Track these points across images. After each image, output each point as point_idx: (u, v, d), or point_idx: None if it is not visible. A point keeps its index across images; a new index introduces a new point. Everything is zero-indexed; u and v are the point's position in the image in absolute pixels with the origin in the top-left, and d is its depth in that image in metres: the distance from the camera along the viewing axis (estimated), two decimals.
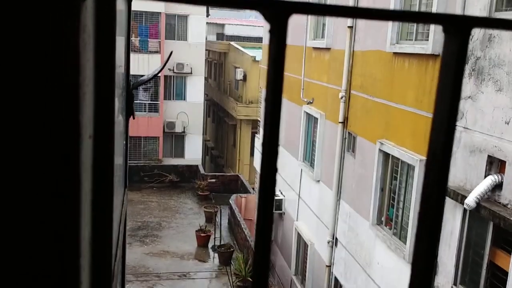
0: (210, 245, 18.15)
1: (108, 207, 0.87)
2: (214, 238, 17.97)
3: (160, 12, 25.51)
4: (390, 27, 8.64)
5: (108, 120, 0.82)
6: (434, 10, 7.38)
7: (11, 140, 0.51)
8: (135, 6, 25.77)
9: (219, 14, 45.49)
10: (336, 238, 11.03)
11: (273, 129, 0.38)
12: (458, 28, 0.42)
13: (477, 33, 6.49)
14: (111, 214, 0.92)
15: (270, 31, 0.37)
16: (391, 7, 8.57)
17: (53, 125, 0.51)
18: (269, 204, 0.42)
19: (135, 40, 25.50)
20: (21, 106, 0.50)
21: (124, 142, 2.07)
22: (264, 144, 0.39)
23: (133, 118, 2.07)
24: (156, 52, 25.69)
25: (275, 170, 0.41)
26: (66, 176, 0.53)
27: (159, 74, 25.57)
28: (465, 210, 6.59)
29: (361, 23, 10.02)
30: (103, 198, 0.82)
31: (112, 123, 0.86)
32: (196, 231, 18.34)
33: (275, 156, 0.39)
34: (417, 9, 8.14)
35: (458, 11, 6.83)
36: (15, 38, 0.48)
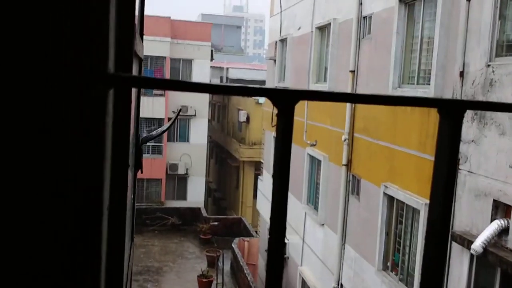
0: None
1: (119, 270, 0.88)
2: (216, 283, 17.60)
3: (165, 57, 26.03)
4: (392, 70, 8.76)
5: (122, 191, 0.85)
6: (435, 55, 7.50)
7: (38, 212, 0.54)
8: None
9: (223, 58, 46.39)
10: (342, 284, 10.79)
11: (281, 203, 0.38)
12: (451, 111, 0.45)
13: (478, 77, 6.56)
14: (121, 276, 0.93)
15: (278, 115, 0.40)
16: (392, 54, 8.72)
17: (77, 200, 0.54)
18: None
19: None
20: (52, 183, 0.54)
21: (132, 196, 2.06)
22: (271, 226, 0.39)
23: (141, 172, 2.09)
24: (161, 95, 26.04)
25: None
26: (88, 250, 0.56)
27: (163, 117, 25.82)
28: (472, 255, 6.47)
29: (363, 68, 10.17)
30: (115, 270, 0.83)
31: (125, 193, 0.89)
32: (197, 276, 18.00)
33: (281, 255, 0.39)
34: (418, 56, 8.27)
35: (458, 57, 6.93)
36: (51, 126, 0.53)
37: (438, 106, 0.46)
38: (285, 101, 0.40)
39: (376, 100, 0.45)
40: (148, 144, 26.34)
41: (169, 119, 26.63)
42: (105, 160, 0.56)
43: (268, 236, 0.42)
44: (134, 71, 1.71)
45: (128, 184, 1.78)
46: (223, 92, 0.41)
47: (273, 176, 0.41)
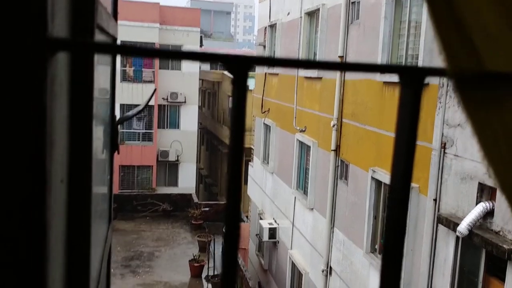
0: (203, 275, 17.91)
1: (85, 248, 0.88)
2: (208, 267, 17.75)
3: (154, 43, 25.82)
4: (380, 55, 8.80)
5: (84, 165, 0.84)
6: (422, 40, 7.54)
7: None
8: (129, 37, 25.97)
9: (213, 44, 46.07)
10: (331, 267, 10.95)
11: (235, 174, 0.40)
12: (412, 78, 0.45)
13: None
14: (88, 255, 0.93)
15: (233, 82, 0.41)
16: (380, 38, 8.75)
17: (17, 171, 0.54)
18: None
19: (129, 70, 25.70)
20: None
21: (109, 177, 2.07)
22: (228, 189, 0.41)
23: (118, 153, 2.09)
24: (150, 81, 25.88)
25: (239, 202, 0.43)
26: (30, 219, 0.55)
27: (153, 104, 25.70)
28: (457, 237, 6.59)
29: (352, 53, 10.19)
30: (79, 239, 0.83)
31: (88, 167, 0.88)
32: (189, 261, 18.13)
33: (238, 203, 0.41)
34: (405, 40, 8.32)
35: None
36: None
37: (398, 72, 0.46)
38: (239, 66, 0.40)
39: (335, 67, 0.45)
40: (138, 131, 26.24)
41: (160, 106, 26.52)
42: (47, 127, 0.54)
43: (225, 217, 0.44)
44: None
45: (105, 163, 1.79)
46: (173, 57, 0.41)
47: (229, 148, 0.43)
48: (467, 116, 0.46)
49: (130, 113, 2.71)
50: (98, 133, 1.48)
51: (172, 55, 0.41)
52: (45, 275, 0.58)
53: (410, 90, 0.46)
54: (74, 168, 0.81)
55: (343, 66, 0.48)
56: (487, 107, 0.45)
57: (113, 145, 1.96)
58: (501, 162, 0.46)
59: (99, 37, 1.30)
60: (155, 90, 4.03)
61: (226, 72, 30.59)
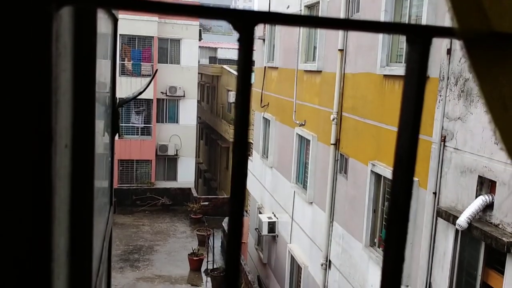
0: (203, 268, 17.95)
1: (88, 214, 0.88)
2: (207, 261, 17.78)
3: (153, 36, 25.74)
4: (380, 49, 8.77)
5: (87, 131, 0.84)
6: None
7: None
8: (128, 31, 25.87)
9: (212, 38, 45.98)
10: (330, 261, 10.97)
11: (242, 134, 0.40)
12: (419, 37, 0.45)
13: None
14: (91, 220, 0.92)
15: (239, 40, 0.40)
16: (380, 38, 8.71)
17: (22, 130, 0.53)
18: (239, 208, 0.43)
19: (128, 64, 25.63)
20: None
21: (110, 159, 2.07)
22: (234, 150, 0.41)
23: (119, 136, 2.08)
24: (149, 75, 25.81)
25: (245, 174, 0.42)
26: (36, 180, 0.54)
27: (152, 98, 25.64)
28: (457, 230, 6.60)
29: (351, 46, 10.17)
30: (82, 205, 0.83)
31: (91, 134, 0.88)
32: (188, 254, 18.16)
33: (245, 157, 0.41)
34: (405, 42, 8.28)
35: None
36: None
37: (405, 31, 0.45)
38: (245, 22, 0.39)
39: (340, 24, 0.45)
40: (137, 125, 26.21)
41: (158, 100, 26.48)
42: (54, 84, 0.53)
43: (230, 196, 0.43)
44: (108, 30, 1.69)
45: (106, 143, 1.78)
46: (177, 12, 0.40)
47: (235, 107, 0.42)
48: (476, 77, 0.46)
49: (131, 95, 2.69)
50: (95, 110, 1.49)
51: (175, 10, 0.40)
52: (50, 234, 0.57)
53: (417, 49, 0.45)
54: (77, 133, 0.80)
55: (347, 23, 0.47)
56: (495, 66, 0.44)
57: (114, 127, 1.96)
58: (509, 125, 0.46)
59: (100, 10, 1.27)
60: (156, 71, 4.01)
61: (225, 66, 30.50)
